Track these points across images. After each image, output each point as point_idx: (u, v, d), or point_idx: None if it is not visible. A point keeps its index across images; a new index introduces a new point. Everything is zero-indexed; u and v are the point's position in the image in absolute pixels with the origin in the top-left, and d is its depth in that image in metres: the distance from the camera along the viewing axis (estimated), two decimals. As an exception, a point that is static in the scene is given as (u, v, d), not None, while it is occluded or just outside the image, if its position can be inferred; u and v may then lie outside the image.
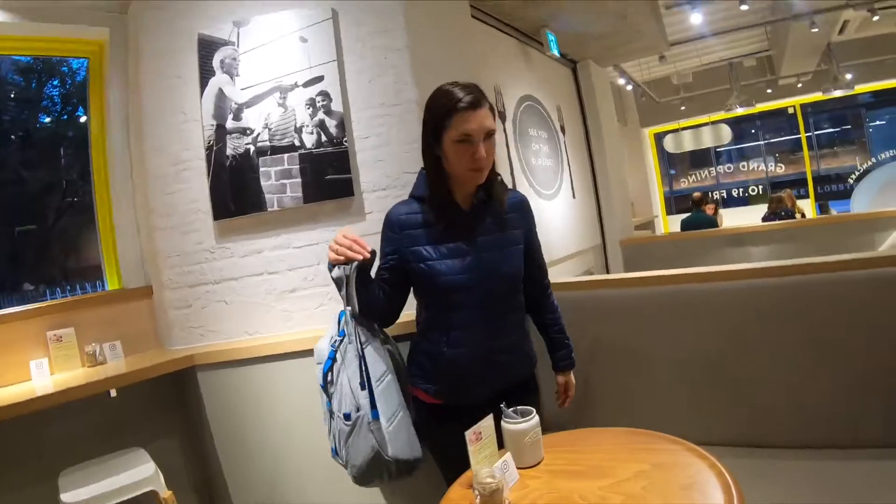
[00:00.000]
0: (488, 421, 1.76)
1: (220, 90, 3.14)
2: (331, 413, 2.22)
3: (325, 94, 3.05)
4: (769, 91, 12.30)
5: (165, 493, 2.57)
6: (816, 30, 8.52)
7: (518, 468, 1.76)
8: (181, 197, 3.24)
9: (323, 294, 3.07)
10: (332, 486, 2.80)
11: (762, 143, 15.34)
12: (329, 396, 2.23)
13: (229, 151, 3.11)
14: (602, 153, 6.83)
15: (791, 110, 13.87)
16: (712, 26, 8.86)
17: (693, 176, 15.61)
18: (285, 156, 3.05)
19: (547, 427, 1.98)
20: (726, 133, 12.96)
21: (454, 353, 2.12)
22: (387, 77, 3.08)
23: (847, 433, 2.33)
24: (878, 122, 14.76)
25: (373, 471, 2.16)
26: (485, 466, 1.61)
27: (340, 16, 3.11)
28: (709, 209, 9.18)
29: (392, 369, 2.27)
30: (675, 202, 15.06)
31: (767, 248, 6.26)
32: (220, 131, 3.12)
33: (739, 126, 14.26)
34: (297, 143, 3.04)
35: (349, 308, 2.18)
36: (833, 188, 14.19)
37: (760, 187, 14.94)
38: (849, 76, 11.02)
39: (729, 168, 15.57)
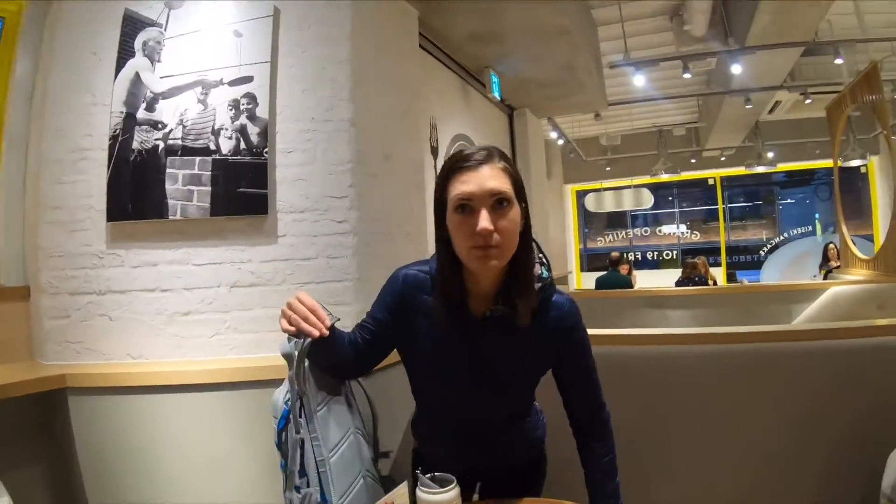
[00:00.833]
0: (403, 489, 1.46)
1: (137, 75, 2.81)
2: (284, 475, 1.77)
3: (251, 97, 2.76)
4: (693, 161, 12.75)
5: (16, 531, 2.15)
6: (751, 106, 8.82)
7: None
8: (74, 190, 2.84)
9: (220, 322, 2.74)
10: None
11: (677, 210, 15.88)
12: (283, 457, 1.76)
13: (135, 145, 2.76)
14: (528, 202, 6.67)
15: (711, 181, 14.53)
16: (650, 92, 9.02)
17: (608, 236, 15.92)
18: (197, 159, 2.73)
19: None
20: (647, 197, 13.45)
21: (428, 443, 1.85)
22: (323, 89, 2.83)
23: None
24: (788, 201, 15.85)
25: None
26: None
27: (283, 15, 2.86)
28: (623, 269, 9.20)
29: (353, 428, 1.78)
30: (587, 260, 15.38)
31: (688, 312, 6.24)
32: (129, 121, 2.78)
33: (657, 192, 14.70)
34: (212, 146, 2.73)
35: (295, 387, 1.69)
36: (742, 259, 14.88)
37: (674, 252, 15.45)
38: (770, 154, 11.51)
39: (645, 231, 16.02)
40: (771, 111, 10.41)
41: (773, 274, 13.64)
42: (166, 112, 2.77)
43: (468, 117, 5.38)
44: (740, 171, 12.58)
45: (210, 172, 2.72)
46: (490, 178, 1.48)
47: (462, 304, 1.61)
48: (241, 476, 2.52)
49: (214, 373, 2.51)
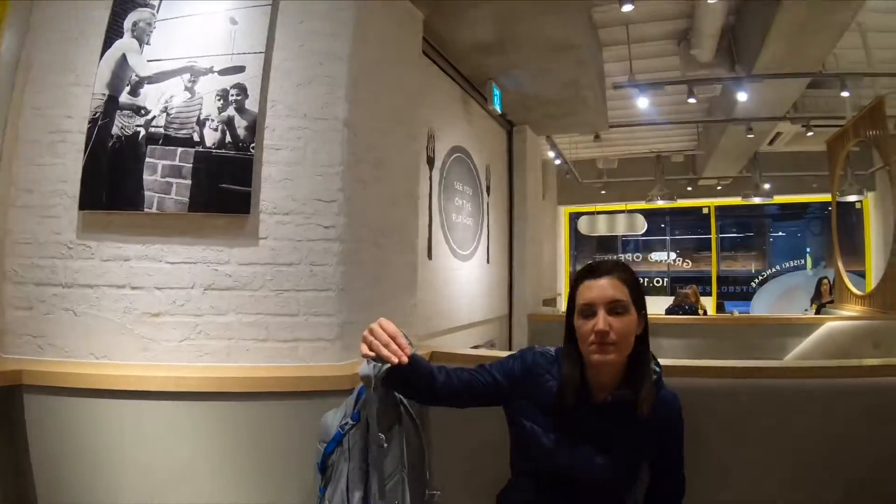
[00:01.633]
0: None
1: (124, 56, 2.66)
2: (319, 501, 1.95)
3: (241, 89, 2.61)
4: (689, 189, 12.68)
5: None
6: (752, 136, 8.77)
7: None
8: (49, 172, 2.69)
9: (191, 326, 2.57)
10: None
11: (669, 237, 15.90)
12: (324, 482, 1.95)
13: (115, 130, 2.61)
14: (523, 221, 6.58)
15: (705, 210, 14.48)
16: (651, 116, 8.94)
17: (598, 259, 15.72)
18: (179, 150, 2.57)
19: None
20: (641, 223, 13.35)
21: None
22: (319, 86, 2.69)
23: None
24: (779, 234, 16.08)
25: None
26: None
27: (282, 6, 2.72)
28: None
29: (403, 466, 1.96)
30: (576, 283, 15.12)
31: (681, 342, 6.14)
32: (111, 104, 2.63)
33: (648, 218, 14.54)
34: (196, 137, 2.57)
35: (370, 419, 1.88)
36: (732, 289, 14.92)
37: (663, 280, 15.47)
38: (768, 186, 11.45)
39: (636, 257, 16.00)
40: (771, 142, 10.34)
41: (763, 306, 13.83)
42: (150, 97, 2.62)
43: (467, 130, 5.24)
44: (735, 201, 12.57)
45: (191, 165, 2.56)
46: (609, 287, 1.75)
47: (585, 390, 1.81)
48: (200, 491, 2.34)
49: (182, 381, 2.34)
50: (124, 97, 2.62)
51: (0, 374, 2.41)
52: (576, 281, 1.83)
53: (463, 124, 5.15)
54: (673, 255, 15.64)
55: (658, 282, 15.51)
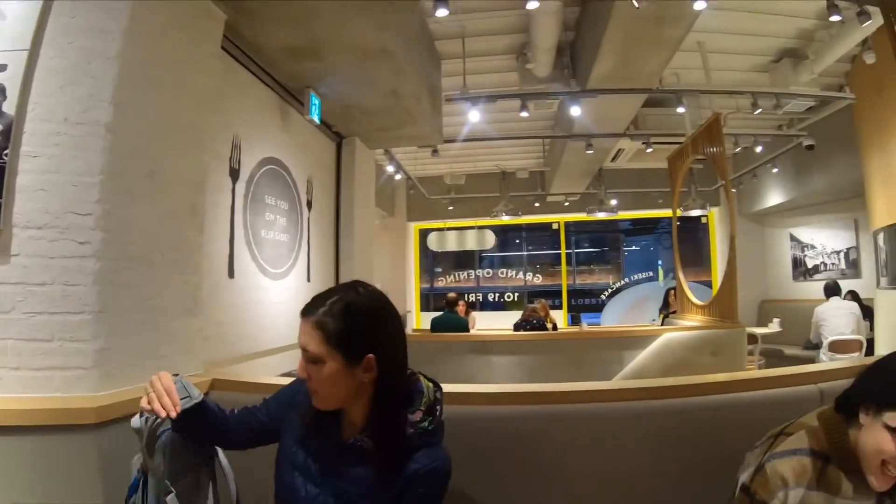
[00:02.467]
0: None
1: None
2: None
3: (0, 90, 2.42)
4: (537, 205, 13.09)
5: None
6: (591, 152, 9.00)
7: None
8: None
9: None
10: None
11: (525, 253, 16.38)
12: None
13: None
14: (350, 237, 6.46)
15: (555, 226, 15.02)
16: (492, 132, 9.09)
17: (454, 276, 16.02)
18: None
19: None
20: (490, 239, 13.80)
21: None
22: (81, 86, 2.51)
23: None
24: (633, 247, 16.93)
25: None
26: None
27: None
28: (460, 310, 9.19)
29: None
30: (433, 299, 15.45)
31: (513, 359, 6.19)
32: None
33: (506, 235, 15.24)
34: (-61, 142, 2.36)
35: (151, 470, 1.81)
36: (586, 301, 15.55)
37: (517, 295, 15.78)
38: (614, 202, 11.99)
39: (498, 273, 16.22)
40: (614, 159, 10.72)
41: (613, 316, 14.64)
42: None
43: (284, 140, 5.09)
44: (583, 216, 13.01)
45: (-68, 172, 2.34)
46: (303, 333, 1.67)
47: (335, 423, 1.75)
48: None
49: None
50: None
51: None
52: None
53: (279, 134, 5.01)
54: (529, 271, 16.04)
55: (513, 296, 15.85)
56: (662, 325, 8.28)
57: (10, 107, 2.44)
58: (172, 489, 1.78)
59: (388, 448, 1.66)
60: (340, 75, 4.92)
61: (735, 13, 6.92)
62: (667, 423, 2.40)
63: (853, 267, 10.90)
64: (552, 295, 14.90)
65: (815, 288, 10.81)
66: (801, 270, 12.19)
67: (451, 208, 12.76)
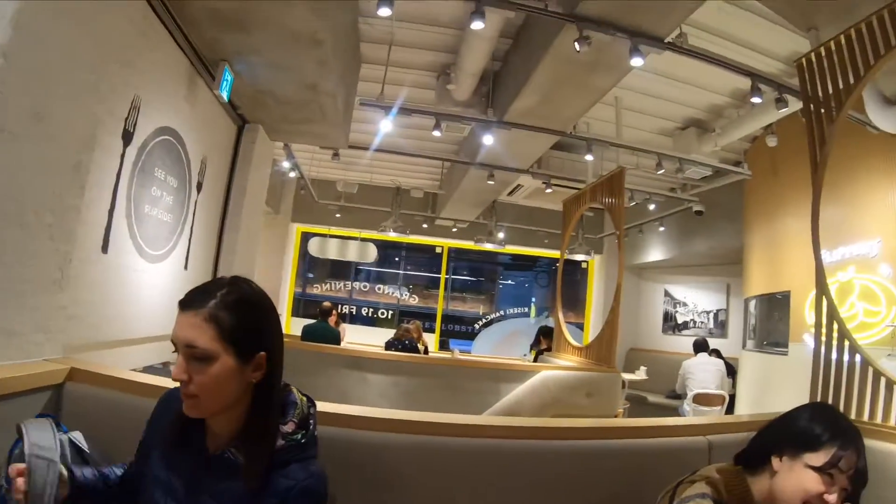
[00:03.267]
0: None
1: None
2: None
3: None
4: (425, 226, 13.04)
5: None
6: (493, 183, 9.08)
7: None
8: None
9: None
10: None
11: (402, 271, 16.26)
12: None
13: None
14: (236, 229, 5.95)
15: (439, 250, 15.04)
16: (398, 145, 8.92)
17: (330, 284, 15.72)
18: None
19: None
20: (372, 253, 13.52)
21: None
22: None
23: None
24: (509, 281, 17.27)
25: None
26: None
27: None
28: (332, 321, 8.86)
29: None
30: (304, 305, 15.03)
31: (389, 378, 5.92)
32: None
33: (385, 251, 14.97)
34: None
35: None
36: (458, 328, 15.55)
37: (390, 312, 15.65)
38: (501, 235, 12.11)
39: (365, 287, 16.04)
40: (511, 193, 10.76)
41: (484, 347, 14.80)
42: None
43: (187, 112, 4.56)
44: (469, 245, 13.16)
45: None
46: (189, 326, 1.48)
47: (199, 434, 1.59)
48: None
49: None
50: None
51: None
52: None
53: (183, 104, 4.48)
54: (404, 290, 15.94)
55: (386, 313, 15.69)
56: (535, 361, 8.30)
57: None
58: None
59: (260, 459, 1.53)
60: (263, 55, 4.52)
61: (656, 77, 7.16)
62: (551, 465, 2.32)
63: (721, 327, 11.81)
64: (426, 317, 14.92)
65: (682, 342, 11.79)
66: (671, 324, 13.00)
67: (338, 216, 12.41)
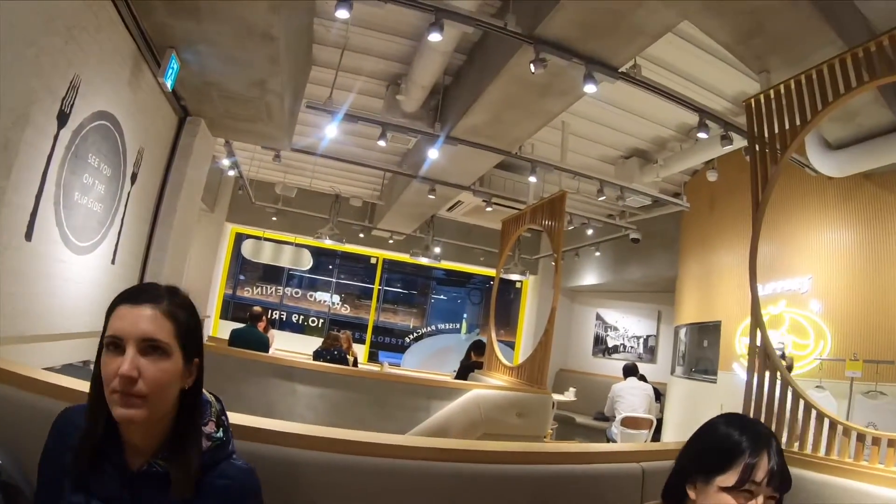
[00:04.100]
0: None
1: None
2: None
3: None
4: (361, 236, 12.90)
5: None
6: (434, 197, 9.05)
7: None
8: None
9: None
10: None
11: (335, 280, 16.00)
12: None
13: None
14: (168, 226, 5.66)
15: (374, 260, 15.01)
16: (340, 152, 8.77)
17: (261, 288, 15.39)
18: None
19: None
20: (306, 259, 13.24)
21: None
22: None
23: None
24: (441, 296, 17.21)
25: None
26: None
27: None
28: (261, 326, 8.60)
29: None
30: (233, 308, 14.68)
31: (318, 390, 5.70)
32: None
33: (319, 257, 14.69)
34: None
35: None
36: (388, 340, 15.48)
37: (321, 321, 15.37)
38: (437, 250, 11.97)
39: (297, 293, 15.78)
40: (451, 209, 10.76)
41: (414, 361, 14.70)
42: None
43: (128, 98, 4.30)
44: (404, 257, 13.11)
45: None
46: (147, 319, 1.40)
47: (118, 453, 1.45)
48: None
49: None
50: None
51: None
52: (113, 304, 1.44)
53: (124, 89, 4.22)
54: (336, 298, 15.71)
55: (316, 321, 15.43)
56: (461, 375, 8.20)
57: None
58: None
59: (191, 466, 1.45)
60: (214, 46, 4.32)
61: (606, 105, 7.26)
62: (484, 490, 2.25)
63: (650, 353, 12.10)
64: (356, 327, 14.79)
65: (611, 365, 12.07)
66: (602, 348, 13.24)
67: (274, 219, 12.13)
